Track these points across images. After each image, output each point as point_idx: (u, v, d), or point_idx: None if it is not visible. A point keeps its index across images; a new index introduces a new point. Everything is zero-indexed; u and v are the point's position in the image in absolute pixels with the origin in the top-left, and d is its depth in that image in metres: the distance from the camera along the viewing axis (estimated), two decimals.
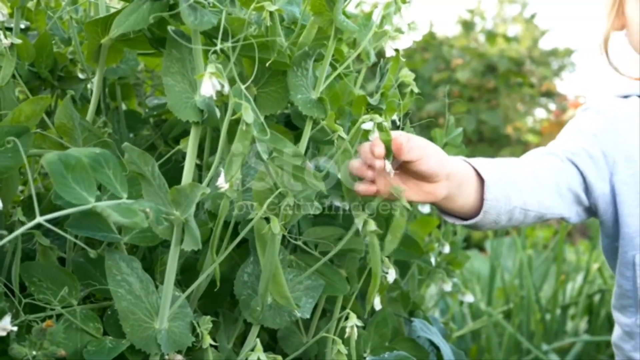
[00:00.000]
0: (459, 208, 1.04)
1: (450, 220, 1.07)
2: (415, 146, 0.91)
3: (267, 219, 0.81)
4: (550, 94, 9.67)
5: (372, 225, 0.87)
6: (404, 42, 0.88)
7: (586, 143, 1.17)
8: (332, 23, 0.87)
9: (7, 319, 0.75)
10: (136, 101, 1.33)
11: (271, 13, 0.80)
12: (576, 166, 1.15)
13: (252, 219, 0.82)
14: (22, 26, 1.11)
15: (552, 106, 9.84)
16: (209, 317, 0.82)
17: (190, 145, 0.80)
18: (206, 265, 0.87)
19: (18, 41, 0.94)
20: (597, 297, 2.81)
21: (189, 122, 1.13)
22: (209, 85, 0.72)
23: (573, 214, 1.17)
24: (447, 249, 1.51)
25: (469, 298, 1.65)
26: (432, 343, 1.28)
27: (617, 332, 1.26)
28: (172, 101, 0.78)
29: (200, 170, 1.03)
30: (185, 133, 1.15)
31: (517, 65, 9.32)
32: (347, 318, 0.91)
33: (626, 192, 1.14)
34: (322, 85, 0.89)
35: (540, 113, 10.01)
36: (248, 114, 0.72)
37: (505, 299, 2.98)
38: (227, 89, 0.72)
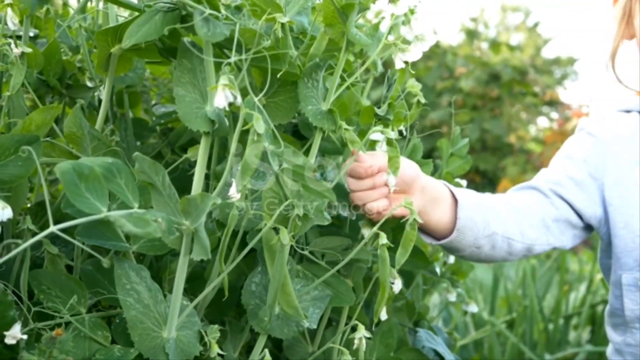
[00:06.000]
0: (434, 224, 1.06)
1: (427, 240, 1.09)
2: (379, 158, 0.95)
3: (276, 230, 0.81)
4: (553, 103, 9.69)
5: (384, 239, 0.87)
6: (414, 54, 0.88)
7: (574, 169, 1.19)
8: (344, 35, 0.87)
9: (17, 327, 0.75)
10: (142, 108, 1.34)
11: (282, 25, 0.80)
12: (561, 197, 1.17)
13: (261, 229, 0.83)
14: (31, 34, 1.11)
15: (555, 115, 9.86)
16: (216, 326, 0.82)
17: (200, 155, 0.80)
18: (214, 274, 0.87)
19: (28, 50, 0.95)
20: (600, 308, 2.81)
21: (197, 131, 1.14)
22: (222, 97, 0.72)
23: (567, 240, 1.18)
24: (452, 259, 1.50)
25: (473, 308, 1.64)
26: (437, 353, 1.28)
27: (610, 346, 1.27)
28: (183, 111, 0.78)
29: (208, 179, 1.04)
30: (193, 142, 1.15)
31: (520, 74, 9.34)
32: (354, 329, 0.91)
33: (613, 213, 1.16)
34: (332, 97, 0.90)
35: (543, 122, 10.03)
36: (259, 125, 0.72)
37: (508, 309, 2.98)
38: (239, 100, 0.73)
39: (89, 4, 1.15)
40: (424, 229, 1.07)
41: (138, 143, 1.23)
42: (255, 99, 0.73)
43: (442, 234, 1.07)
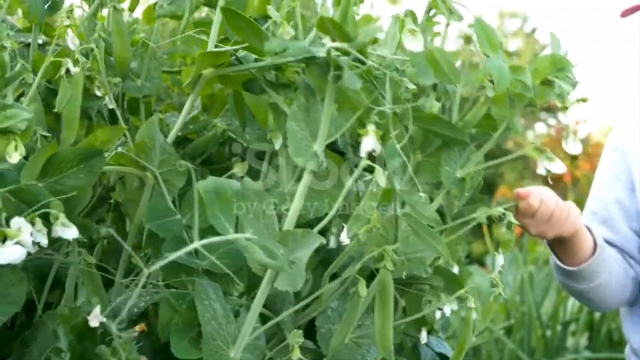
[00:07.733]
0: (586, 248, 1.12)
1: (570, 267, 1.15)
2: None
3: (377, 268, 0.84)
4: (551, 109, 9.72)
5: (471, 302, 0.92)
6: (559, 166, 0.89)
7: (613, 193, 1.26)
8: (505, 120, 0.90)
9: (98, 308, 0.80)
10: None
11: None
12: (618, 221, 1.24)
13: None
14: (40, 41, 1.12)
15: (553, 121, 9.87)
16: (300, 331, 0.83)
17: (299, 191, 0.81)
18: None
19: (77, 69, 0.96)
20: (597, 314, 2.84)
21: (213, 146, 1.15)
22: (370, 143, 0.76)
23: None
24: (456, 270, 1.55)
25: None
26: (445, 358, 1.33)
27: (628, 347, 1.33)
28: (293, 146, 0.81)
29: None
30: (210, 157, 1.17)
31: None
32: None
33: None
34: (469, 169, 0.91)
35: (541, 128, 10.04)
36: (381, 178, 0.76)
37: (506, 315, 3.00)
38: (378, 150, 0.77)
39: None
40: (570, 249, 1.13)
41: None
42: (402, 154, 0.77)
43: (585, 253, 1.13)
